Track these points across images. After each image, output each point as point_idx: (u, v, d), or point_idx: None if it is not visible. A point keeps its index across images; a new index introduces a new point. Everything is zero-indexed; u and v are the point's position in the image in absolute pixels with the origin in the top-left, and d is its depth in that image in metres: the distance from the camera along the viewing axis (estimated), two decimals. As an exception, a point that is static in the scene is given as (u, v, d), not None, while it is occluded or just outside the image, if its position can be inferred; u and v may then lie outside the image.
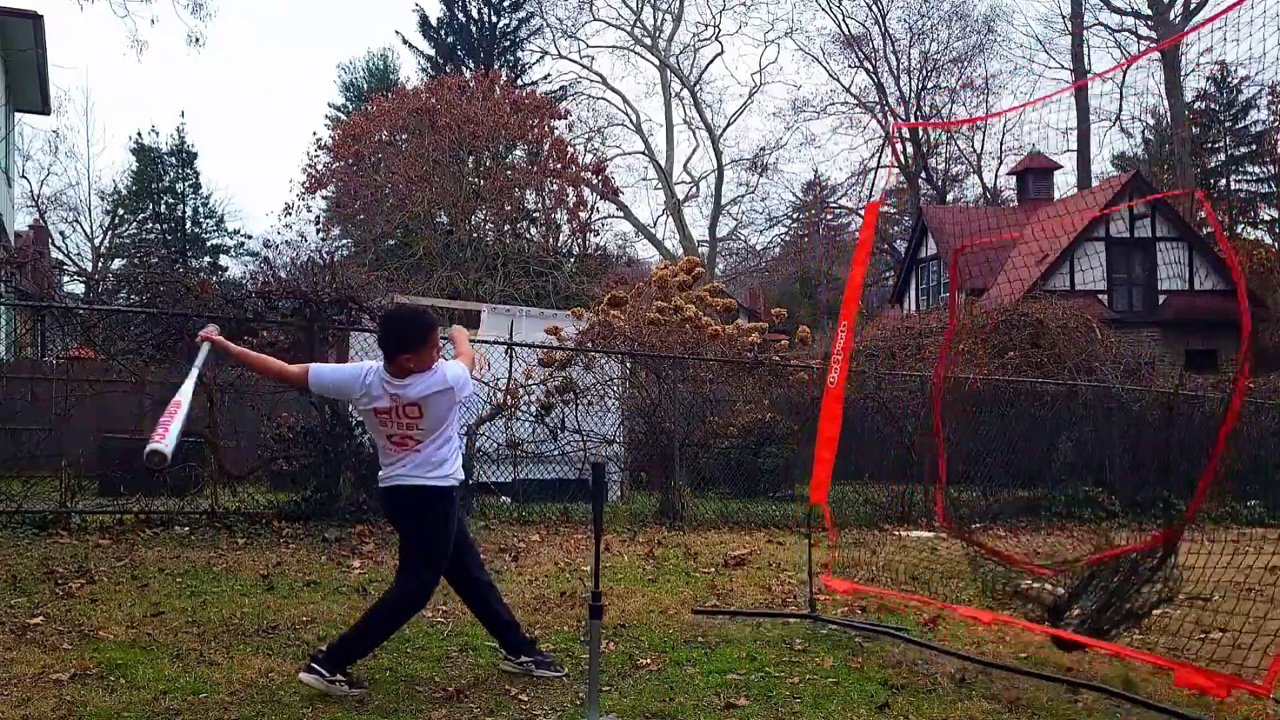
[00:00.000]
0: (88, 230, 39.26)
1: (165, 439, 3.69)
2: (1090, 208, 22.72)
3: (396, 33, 52.48)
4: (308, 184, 27.16)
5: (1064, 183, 34.30)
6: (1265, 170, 37.83)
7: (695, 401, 11.48)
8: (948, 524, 5.61)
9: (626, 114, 40.88)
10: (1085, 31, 35.30)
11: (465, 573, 4.41)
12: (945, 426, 6.24)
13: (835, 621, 5.17)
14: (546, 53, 39.22)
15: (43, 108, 19.78)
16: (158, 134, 44.68)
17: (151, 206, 43.76)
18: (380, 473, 4.27)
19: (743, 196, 44.01)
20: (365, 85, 40.09)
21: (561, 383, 10.74)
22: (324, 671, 3.95)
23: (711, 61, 63.03)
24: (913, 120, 38.47)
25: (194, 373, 4.23)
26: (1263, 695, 3.41)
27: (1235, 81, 36.72)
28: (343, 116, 35.63)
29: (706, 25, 43.90)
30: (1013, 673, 4.52)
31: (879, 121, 39.55)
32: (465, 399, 4.20)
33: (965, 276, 24.75)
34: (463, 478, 4.30)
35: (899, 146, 40.00)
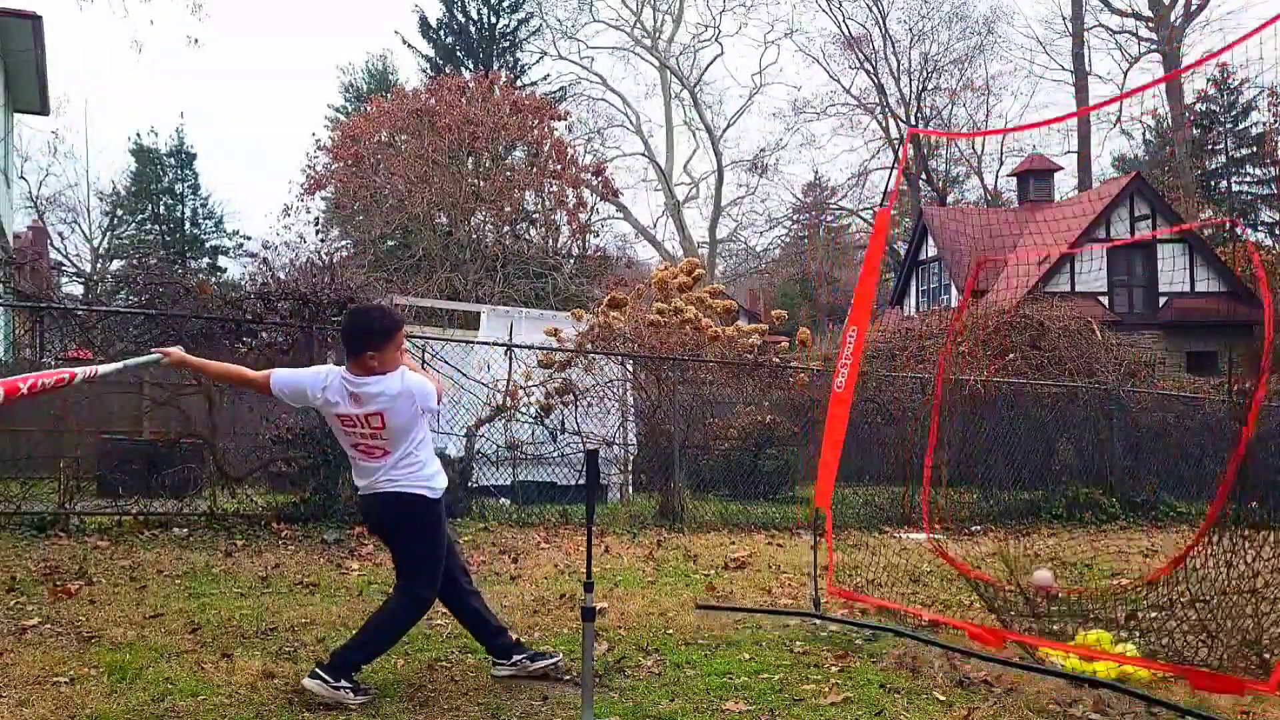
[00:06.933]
0: (86, 231, 39.29)
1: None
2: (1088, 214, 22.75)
3: (396, 33, 52.42)
4: (307, 185, 27.14)
5: (1064, 184, 34.28)
6: (1265, 172, 37.84)
7: (695, 403, 11.48)
8: (934, 544, 5.53)
9: (626, 115, 40.88)
10: (1086, 33, 35.35)
11: (452, 581, 4.28)
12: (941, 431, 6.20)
13: (839, 620, 5.16)
14: (546, 54, 39.22)
15: (42, 108, 19.78)
16: (156, 135, 44.74)
17: (150, 207, 43.78)
18: (358, 483, 4.18)
19: (743, 198, 44.01)
20: (364, 86, 40.07)
21: (561, 384, 10.73)
22: (327, 678, 3.89)
23: (711, 63, 62.68)
24: (913, 122, 38.46)
25: (116, 366, 4.20)
26: (1270, 693, 3.42)
27: (1235, 83, 36.76)
28: (342, 118, 35.60)
29: (706, 26, 44.07)
30: (1013, 668, 4.51)
31: (879, 123, 39.59)
32: (429, 410, 4.08)
33: (965, 279, 24.78)
34: (444, 485, 4.19)
35: (898, 148, 40.03)
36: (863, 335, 5.75)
